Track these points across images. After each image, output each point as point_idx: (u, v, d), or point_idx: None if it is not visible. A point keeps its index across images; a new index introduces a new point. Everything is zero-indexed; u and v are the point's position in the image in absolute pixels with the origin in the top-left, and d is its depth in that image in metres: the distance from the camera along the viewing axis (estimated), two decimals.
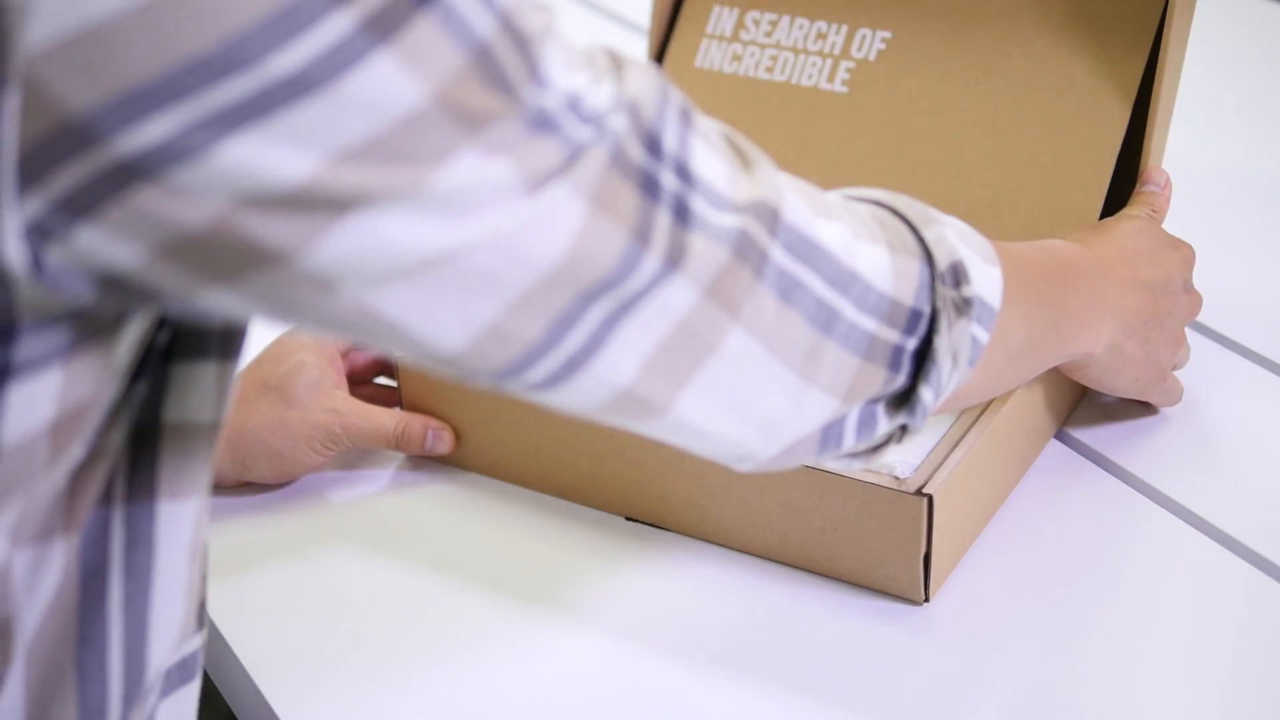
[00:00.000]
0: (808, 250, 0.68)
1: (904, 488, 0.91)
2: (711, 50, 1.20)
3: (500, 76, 0.55)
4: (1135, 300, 0.97)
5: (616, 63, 0.63)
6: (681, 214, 0.62)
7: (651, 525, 1.01)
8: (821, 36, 1.17)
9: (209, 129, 0.51)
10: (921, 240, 0.74)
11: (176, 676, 0.72)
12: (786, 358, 0.68)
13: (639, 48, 1.27)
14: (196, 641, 0.73)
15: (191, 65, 0.50)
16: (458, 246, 0.56)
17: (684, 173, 0.63)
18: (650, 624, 0.93)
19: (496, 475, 1.05)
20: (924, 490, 0.90)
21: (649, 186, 0.61)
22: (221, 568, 0.96)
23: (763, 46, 1.19)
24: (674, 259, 0.62)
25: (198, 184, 0.51)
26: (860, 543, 0.93)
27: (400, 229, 0.55)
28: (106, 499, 0.63)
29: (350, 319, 0.57)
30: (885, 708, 0.87)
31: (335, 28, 0.51)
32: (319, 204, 0.53)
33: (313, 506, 1.04)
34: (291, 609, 0.95)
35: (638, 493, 1.00)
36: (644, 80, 0.62)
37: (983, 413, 0.97)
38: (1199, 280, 1.06)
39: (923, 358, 0.75)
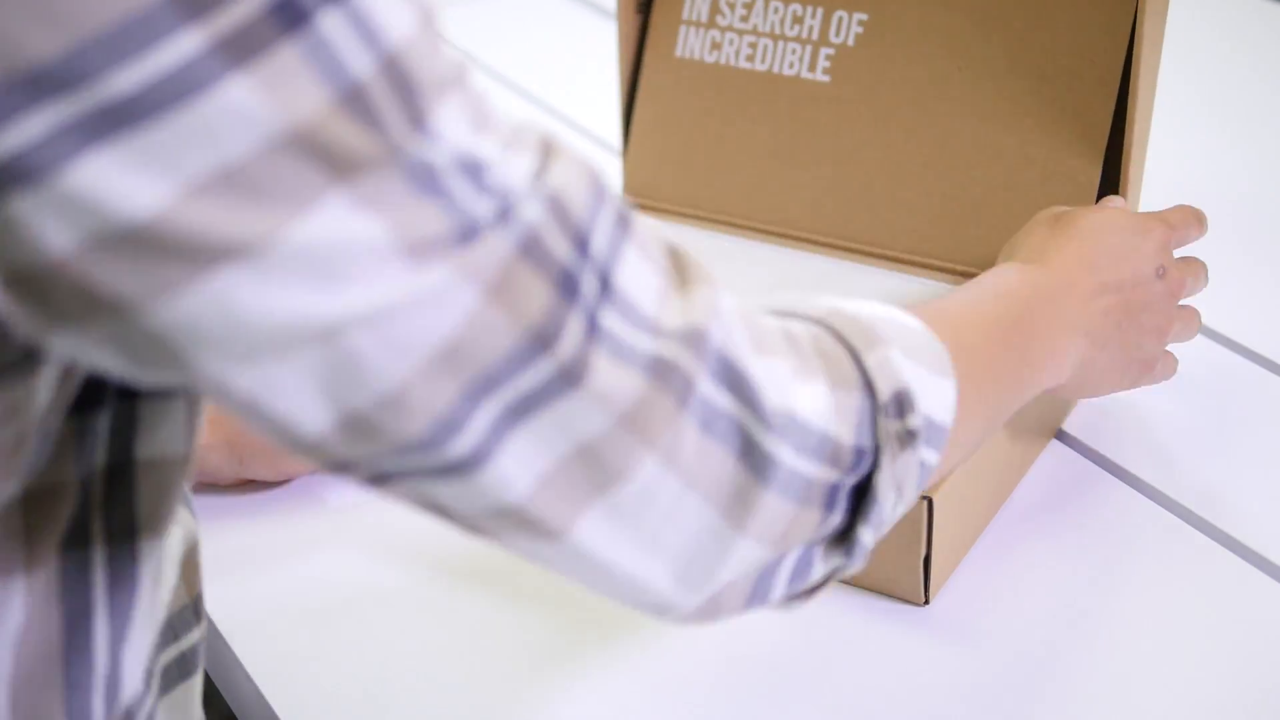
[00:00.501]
0: (739, 385, 0.62)
1: None
2: (690, 38, 1.20)
3: (375, 119, 0.51)
4: (1101, 307, 0.94)
5: (548, 148, 0.58)
6: (593, 326, 0.57)
7: None
8: (798, 20, 1.17)
9: (48, 149, 0.47)
10: (863, 368, 0.68)
11: (176, 673, 0.72)
12: (708, 495, 0.62)
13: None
14: (195, 635, 0.73)
15: (29, 78, 0.47)
16: (326, 320, 0.51)
17: (606, 282, 0.58)
18: (649, 624, 0.94)
19: None
20: (924, 493, 0.90)
21: (567, 286, 0.56)
22: (221, 568, 0.96)
23: (740, 33, 1.18)
24: (575, 372, 0.57)
25: (36, 210, 0.48)
26: None
27: (260, 294, 0.50)
28: (84, 540, 0.62)
29: (203, 385, 0.53)
30: (884, 710, 0.88)
31: (185, 46, 0.48)
32: (168, 250, 0.49)
33: (312, 507, 1.03)
34: (291, 609, 0.95)
35: None
36: (577, 175, 0.58)
37: None
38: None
39: (863, 492, 0.69)
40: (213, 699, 0.93)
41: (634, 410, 0.58)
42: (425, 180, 0.52)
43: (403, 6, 0.52)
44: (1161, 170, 1.18)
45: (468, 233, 0.54)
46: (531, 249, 0.55)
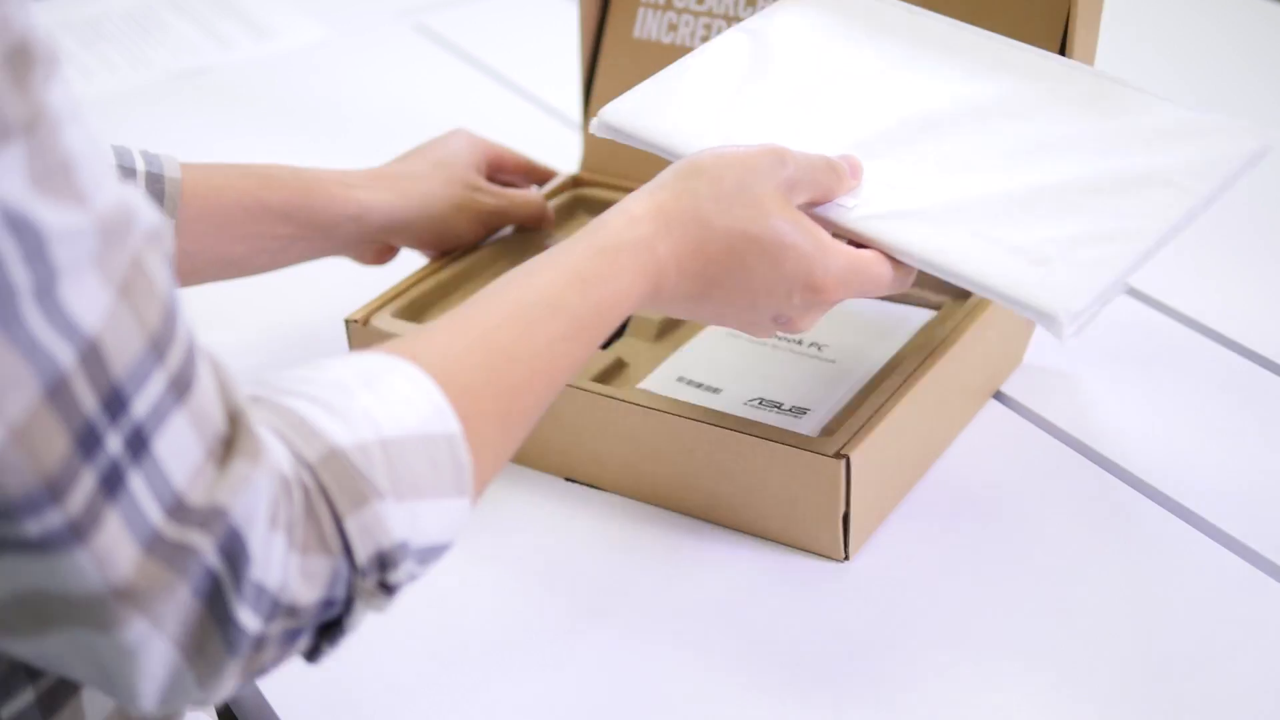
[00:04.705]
0: (237, 560, 0.60)
1: (823, 450, 0.94)
2: (648, 20, 1.23)
3: None
4: (691, 301, 0.86)
5: (127, 282, 0.57)
6: (111, 485, 0.56)
7: (589, 486, 1.05)
8: (751, 2, 1.20)
9: None
10: (343, 533, 0.64)
11: None
12: (185, 649, 0.60)
13: (572, 18, 1.28)
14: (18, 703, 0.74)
15: None
16: None
17: (139, 445, 0.57)
18: (585, 582, 0.97)
19: None
20: (842, 453, 0.94)
21: (87, 441, 0.55)
22: None
23: (696, 14, 1.21)
24: (81, 529, 0.56)
25: None
26: (784, 504, 0.97)
27: None
28: None
29: None
30: (802, 657, 0.91)
31: None
32: None
33: None
34: None
35: (575, 454, 1.03)
36: (131, 330, 0.56)
37: (907, 378, 0.99)
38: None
39: (334, 623, 0.67)
40: None
41: (130, 582, 0.57)
42: None
43: None
44: None
45: (3, 316, 0.53)
46: (56, 395, 0.54)
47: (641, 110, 0.97)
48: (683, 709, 0.89)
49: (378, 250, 1.14)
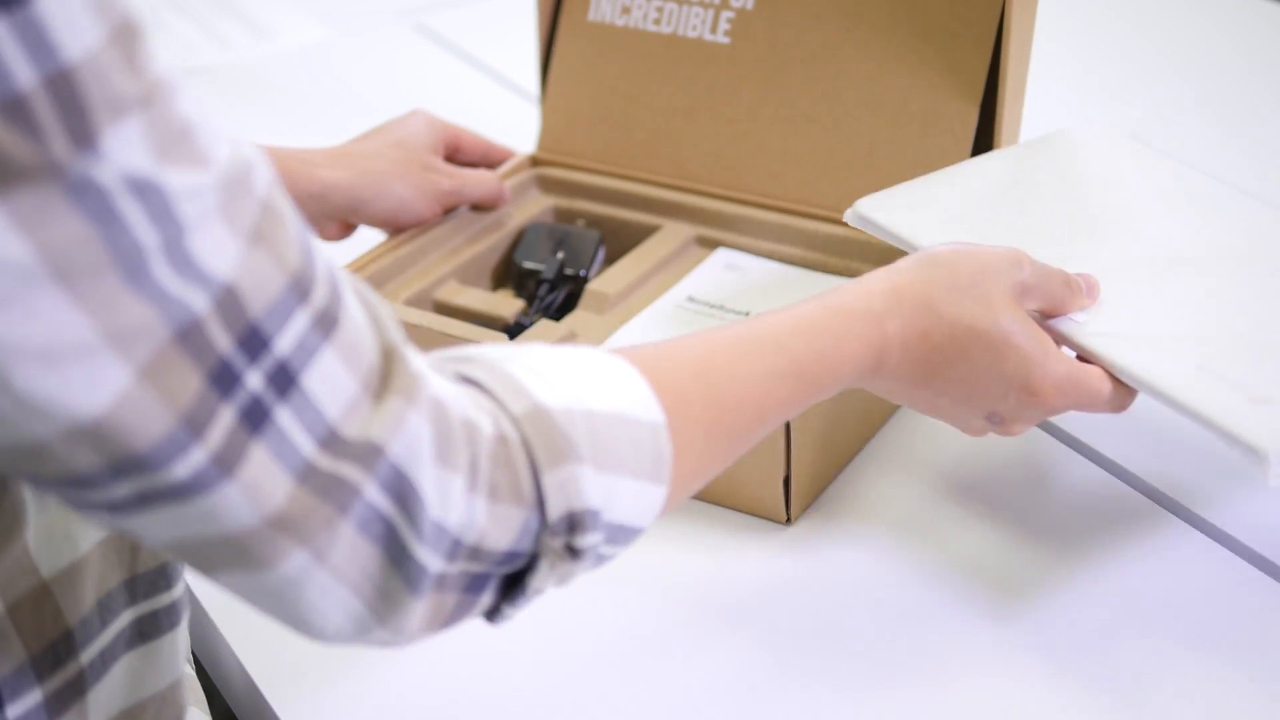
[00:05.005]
0: (406, 497, 0.61)
1: None
2: (602, 3, 1.25)
3: (35, 132, 0.51)
4: (907, 384, 0.85)
5: (257, 229, 0.57)
6: (255, 420, 0.57)
7: None
8: None
9: None
10: (539, 487, 0.65)
11: (148, 628, 0.77)
12: (357, 588, 0.62)
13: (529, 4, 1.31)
14: (166, 599, 0.78)
15: None
16: None
17: (285, 380, 0.57)
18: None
19: None
20: None
21: (221, 379, 0.56)
22: None
23: None
24: (227, 463, 0.56)
25: None
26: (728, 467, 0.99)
27: None
28: None
29: None
30: (742, 614, 0.94)
31: None
32: None
33: None
34: None
35: None
36: (272, 269, 0.57)
37: None
38: None
39: (517, 578, 0.67)
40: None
41: (284, 512, 0.58)
42: (89, 198, 0.52)
43: (89, 20, 0.52)
44: None
45: (131, 271, 0.53)
46: (188, 337, 0.55)
47: (896, 207, 1.00)
48: (620, 663, 0.91)
49: (337, 227, 1.18)
